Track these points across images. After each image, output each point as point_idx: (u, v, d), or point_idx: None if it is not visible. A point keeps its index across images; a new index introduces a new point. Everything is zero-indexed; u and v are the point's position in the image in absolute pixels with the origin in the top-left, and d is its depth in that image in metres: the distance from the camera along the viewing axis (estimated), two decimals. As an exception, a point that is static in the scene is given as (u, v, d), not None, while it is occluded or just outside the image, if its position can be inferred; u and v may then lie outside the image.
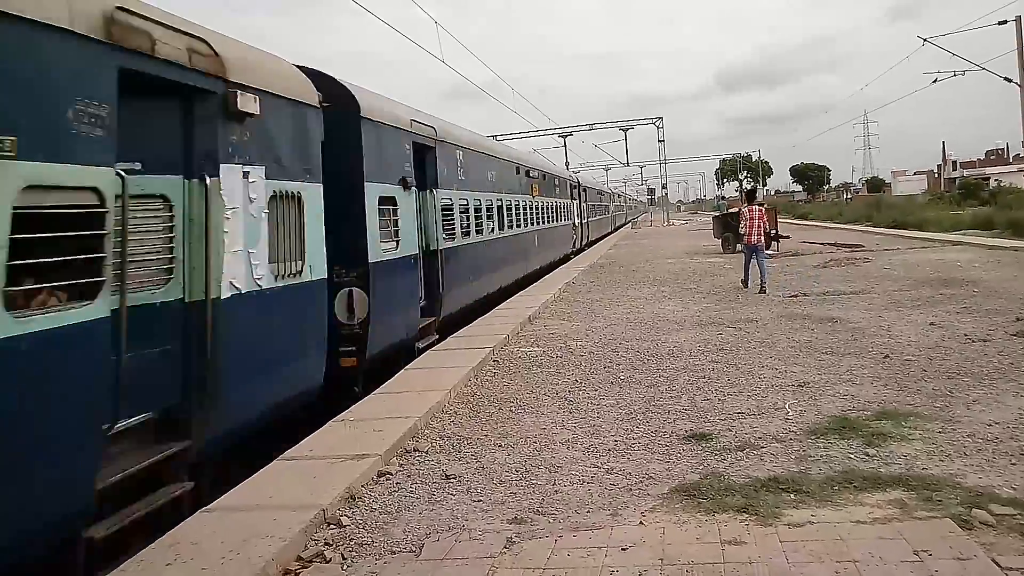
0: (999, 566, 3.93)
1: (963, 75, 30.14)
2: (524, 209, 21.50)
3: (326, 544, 4.80)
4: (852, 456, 5.78)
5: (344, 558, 4.63)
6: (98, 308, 4.87)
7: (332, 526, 5.06)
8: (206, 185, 6.14)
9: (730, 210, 32.18)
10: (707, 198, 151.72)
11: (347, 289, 9.27)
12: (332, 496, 5.34)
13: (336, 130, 8.78)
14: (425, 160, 12.50)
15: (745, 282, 17.06)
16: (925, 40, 29.45)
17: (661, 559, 4.30)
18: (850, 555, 4.16)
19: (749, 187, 28.29)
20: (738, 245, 19.61)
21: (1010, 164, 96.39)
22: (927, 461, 5.57)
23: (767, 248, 26.19)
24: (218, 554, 4.46)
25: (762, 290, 16.17)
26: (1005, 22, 26.52)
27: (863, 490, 5.09)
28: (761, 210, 18.05)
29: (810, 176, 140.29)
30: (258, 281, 6.82)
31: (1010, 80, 27.21)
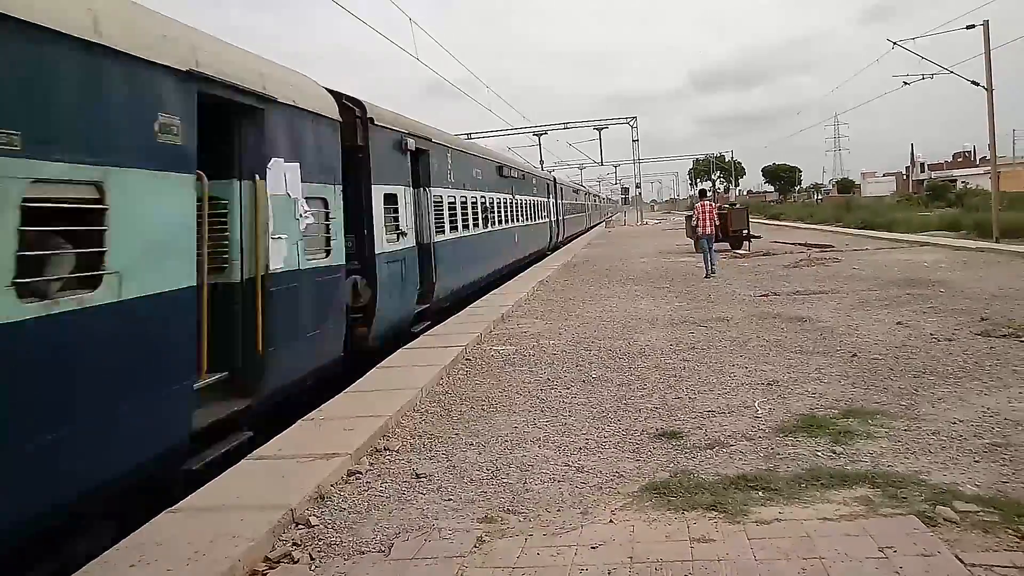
0: (962, 562, 3.98)
1: (932, 78, 30.44)
2: (579, 205, 54.86)
3: (294, 544, 4.75)
4: (819, 454, 5.84)
5: (312, 558, 4.59)
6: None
7: (300, 526, 5.01)
8: (556, 200, 38.67)
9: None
10: (680, 198, 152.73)
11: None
12: (301, 496, 5.29)
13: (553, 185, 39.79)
14: (559, 189, 41.36)
15: (708, 271, 19.21)
16: (895, 43, 29.76)
17: (630, 557, 4.31)
18: (817, 552, 4.20)
19: (700, 188, 34.18)
20: (687, 235, 23.68)
21: (977, 166, 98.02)
22: (893, 459, 5.64)
23: (739, 248, 26.89)
24: (184, 555, 4.40)
25: (711, 274, 18.97)
26: (973, 26, 26.86)
27: (830, 487, 5.14)
28: (711, 205, 21.07)
29: (782, 177, 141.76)
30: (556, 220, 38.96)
31: (977, 84, 27.61)
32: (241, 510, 5.05)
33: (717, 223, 20.85)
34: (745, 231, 28.21)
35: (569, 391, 8.39)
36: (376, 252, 11.22)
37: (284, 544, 4.74)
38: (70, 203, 4.99)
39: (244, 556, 4.40)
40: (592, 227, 68.16)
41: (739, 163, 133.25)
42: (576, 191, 60.38)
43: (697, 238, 20.47)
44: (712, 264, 19.53)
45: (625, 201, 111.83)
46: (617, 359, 9.92)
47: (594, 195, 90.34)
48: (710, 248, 19.63)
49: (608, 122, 68.81)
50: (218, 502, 5.27)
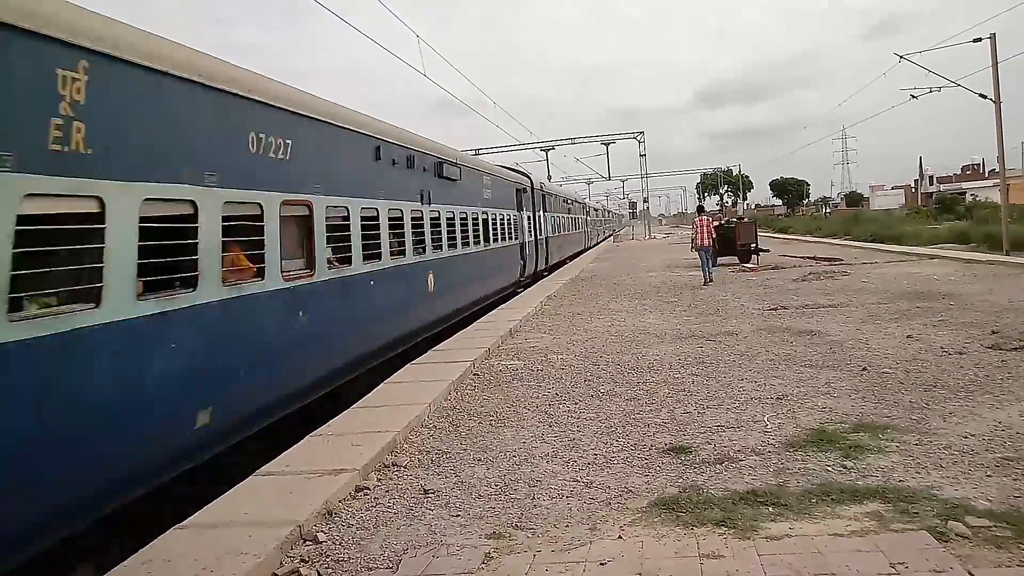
0: (974, 578, 3.94)
1: (939, 91, 30.32)
2: (574, 220, 46.10)
3: (302, 561, 4.74)
4: (830, 469, 5.80)
5: (320, 575, 4.58)
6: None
7: (308, 542, 5.00)
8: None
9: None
10: (688, 212, 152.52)
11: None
12: (309, 512, 5.28)
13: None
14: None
15: (705, 279, 21.32)
16: (902, 57, 29.71)
17: (639, 574, 4.29)
18: (828, 568, 4.16)
19: (698, 204, 33.43)
20: (691, 249, 24.69)
21: (986, 179, 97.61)
22: (904, 473, 5.60)
23: (747, 261, 26.88)
24: (191, 572, 4.39)
25: (708, 282, 20.98)
26: (980, 39, 26.81)
27: (840, 503, 5.10)
28: (708, 220, 22.96)
29: (790, 190, 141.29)
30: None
31: (985, 96, 27.53)
32: (249, 526, 5.05)
33: (714, 235, 22.63)
34: (753, 245, 28.16)
35: (577, 406, 8.37)
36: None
37: (292, 560, 4.73)
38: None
39: (252, 573, 4.39)
40: (591, 247, 56.15)
41: (747, 177, 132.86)
42: (568, 201, 44.40)
43: (695, 249, 22.61)
44: (709, 273, 21.51)
45: (633, 215, 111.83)
46: (625, 373, 9.89)
47: (593, 208, 70.53)
48: (707, 258, 21.82)
49: (615, 137, 68.92)
50: (225, 518, 5.27)
